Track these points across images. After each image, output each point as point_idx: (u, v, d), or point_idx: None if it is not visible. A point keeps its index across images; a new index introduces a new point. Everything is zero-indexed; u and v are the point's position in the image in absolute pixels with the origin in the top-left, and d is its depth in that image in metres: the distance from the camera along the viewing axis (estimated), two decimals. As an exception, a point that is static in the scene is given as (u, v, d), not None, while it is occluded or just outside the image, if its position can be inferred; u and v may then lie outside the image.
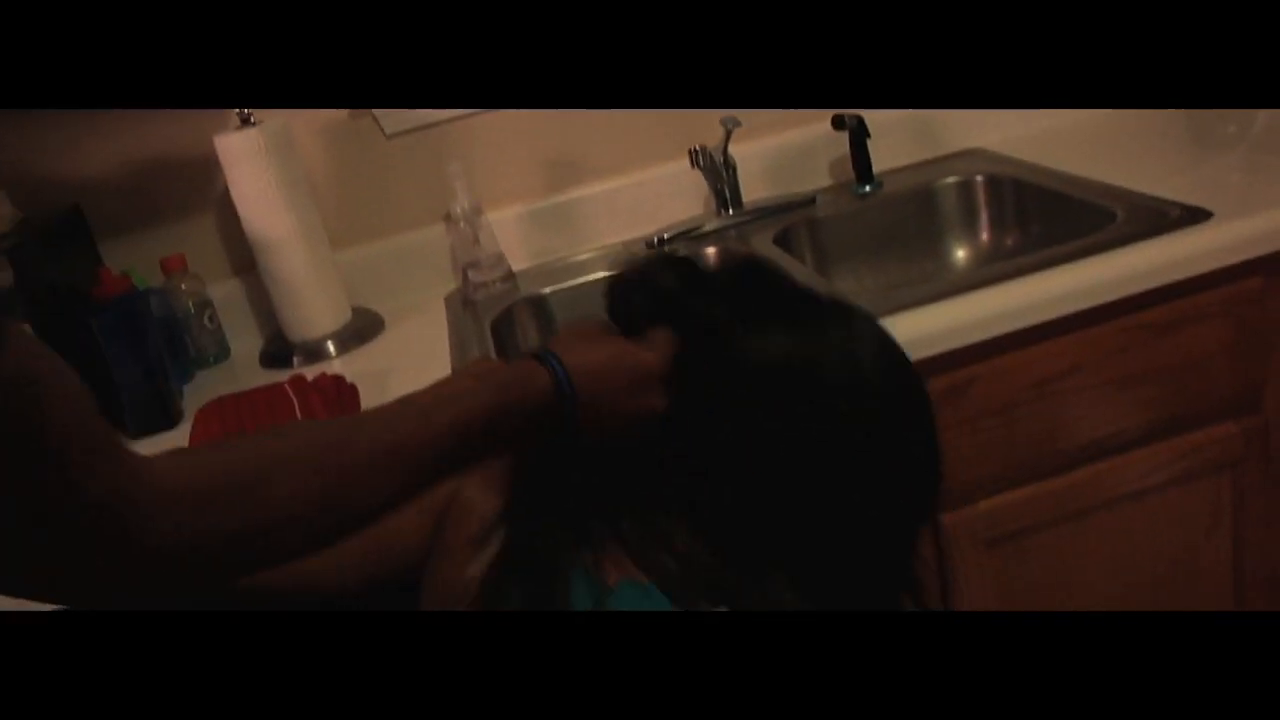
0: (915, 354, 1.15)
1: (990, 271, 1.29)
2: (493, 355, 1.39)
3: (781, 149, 1.74)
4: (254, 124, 1.45)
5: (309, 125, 1.60)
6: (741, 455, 0.73)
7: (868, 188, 1.67)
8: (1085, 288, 1.21)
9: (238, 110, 1.46)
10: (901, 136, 1.77)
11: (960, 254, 1.67)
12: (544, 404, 0.72)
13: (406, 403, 0.70)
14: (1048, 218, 1.54)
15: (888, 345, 0.76)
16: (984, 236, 1.67)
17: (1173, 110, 1.71)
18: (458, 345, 1.44)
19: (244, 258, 1.60)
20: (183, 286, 1.55)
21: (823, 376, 0.72)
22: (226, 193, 1.51)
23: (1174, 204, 1.32)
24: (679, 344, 0.75)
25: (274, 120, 1.47)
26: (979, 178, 1.66)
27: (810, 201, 1.67)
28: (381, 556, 0.86)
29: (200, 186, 1.61)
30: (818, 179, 1.76)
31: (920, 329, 1.18)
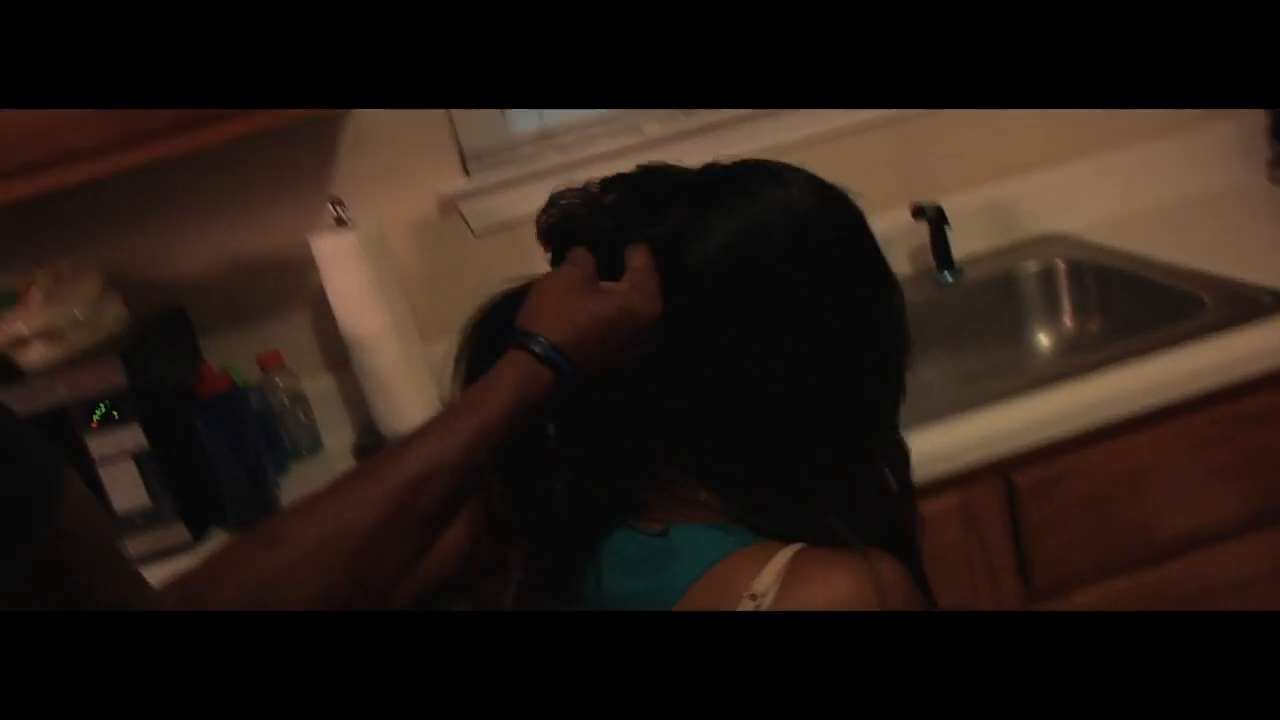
0: (1004, 448, 1.17)
1: (1078, 362, 1.28)
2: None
3: (860, 238, 1.75)
4: (348, 224, 1.51)
5: (400, 224, 1.66)
6: (731, 396, 0.74)
7: (948, 275, 1.68)
8: (1177, 378, 1.20)
9: (333, 211, 1.51)
10: (980, 222, 1.77)
11: (1044, 341, 1.66)
12: (548, 394, 0.71)
13: (407, 454, 0.67)
14: (1132, 304, 1.53)
15: (815, 181, 0.77)
16: (1067, 323, 1.66)
17: (1259, 189, 1.70)
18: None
19: (336, 352, 1.65)
20: (278, 382, 1.61)
21: (769, 239, 0.73)
22: (320, 290, 1.57)
23: (1264, 289, 1.31)
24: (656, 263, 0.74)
25: (368, 221, 1.53)
26: (1060, 263, 1.66)
27: (891, 291, 1.67)
28: (446, 562, 0.84)
29: (295, 284, 1.67)
30: (898, 266, 1.72)
31: (1009, 423, 1.18)
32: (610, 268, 0.75)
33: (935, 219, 1.66)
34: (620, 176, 0.79)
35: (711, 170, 0.78)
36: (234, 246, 1.65)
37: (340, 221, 1.52)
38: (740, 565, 0.69)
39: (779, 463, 0.75)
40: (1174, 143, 1.82)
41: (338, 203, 1.52)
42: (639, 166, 0.80)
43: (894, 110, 1.74)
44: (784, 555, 0.68)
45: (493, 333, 0.77)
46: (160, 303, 1.61)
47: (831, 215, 0.76)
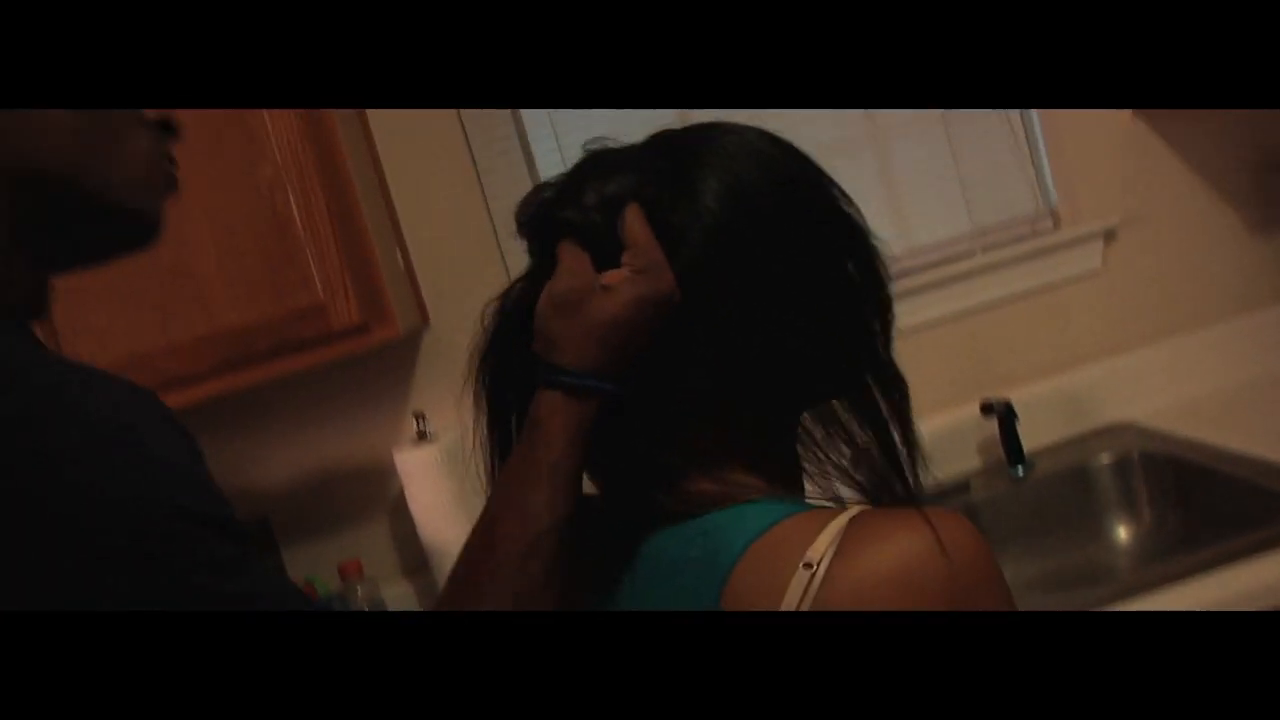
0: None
1: (1166, 570, 1.25)
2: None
3: (930, 435, 1.76)
4: (430, 437, 1.55)
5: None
6: (741, 352, 0.70)
7: (1020, 470, 1.68)
8: (1275, 585, 1.18)
9: (416, 425, 1.56)
10: (1047, 413, 1.78)
11: (1122, 535, 1.65)
12: (594, 419, 0.70)
13: (499, 545, 0.69)
14: (1212, 498, 1.52)
15: (758, 129, 0.75)
16: (1145, 516, 1.64)
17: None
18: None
19: (415, 557, 1.67)
20: (359, 591, 1.62)
21: (749, 186, 0.71)
22: (400, 495, 1.60)
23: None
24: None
25: (448, 431, 1.57)
26: (1135, 456, 1.66)
27: (965, 488, 1.68)
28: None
29: (375, 494, 1.71)
30: (967, 460, 1.78)
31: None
32: (605, 255, 0.71)
33: (1004, 414, 1.68)
34: (581, 165, 0.76)
35: (665, 135, 0.77)
36: (317, 459, 1.69)
37: (422, 435, 1.56)
38: (794, 531, 0.64)
39: (790, 408, 0.75)
40: (1234, 326, 1.84)
41: (420, 417, 1.56)
42: (587, 150, 0.77)
43: (958, 306, 1.78)
44: (842, 519, 0.63)
45: (505, 358, 0.75)
46: (245, 513, 1.65)
47: (788, 154, 0.75)
